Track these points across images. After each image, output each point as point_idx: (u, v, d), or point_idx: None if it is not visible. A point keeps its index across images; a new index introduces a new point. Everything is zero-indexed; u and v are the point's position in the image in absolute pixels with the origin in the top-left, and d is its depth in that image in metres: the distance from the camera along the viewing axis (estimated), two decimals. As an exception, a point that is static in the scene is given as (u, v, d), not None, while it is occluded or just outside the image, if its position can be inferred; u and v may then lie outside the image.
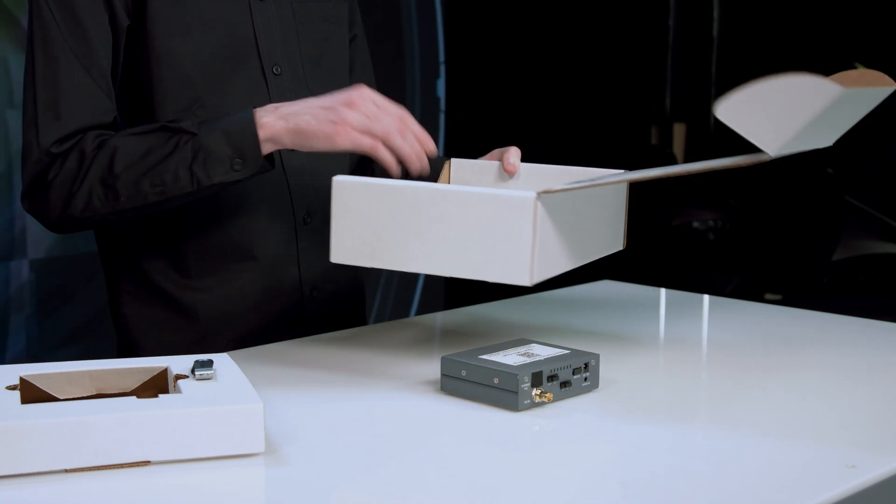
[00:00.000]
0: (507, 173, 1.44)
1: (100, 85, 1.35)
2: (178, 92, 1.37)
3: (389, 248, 1.22)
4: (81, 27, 1.33)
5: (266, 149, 1.28)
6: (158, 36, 1.36)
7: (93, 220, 1.33)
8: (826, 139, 1.23)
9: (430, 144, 1.29)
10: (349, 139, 1.25)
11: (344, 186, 1.23)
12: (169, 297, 1.43)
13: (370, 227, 1.22)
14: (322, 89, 1.50)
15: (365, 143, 1.25)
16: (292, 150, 1.45)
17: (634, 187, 1.41)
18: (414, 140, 1.28)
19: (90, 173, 1.30)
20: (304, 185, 1.47)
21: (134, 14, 1.36)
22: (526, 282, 1.16)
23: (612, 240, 1.39)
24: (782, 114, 1.08)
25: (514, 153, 1.44)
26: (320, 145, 1.26)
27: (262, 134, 1.27)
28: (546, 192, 1.16)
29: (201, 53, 1.38)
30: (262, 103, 1.42)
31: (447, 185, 1.22)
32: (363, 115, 1.24)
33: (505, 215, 1.16)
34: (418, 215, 1.20)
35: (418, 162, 1.28)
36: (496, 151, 1.48)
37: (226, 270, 1.44)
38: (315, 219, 1.49)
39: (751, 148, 1.14)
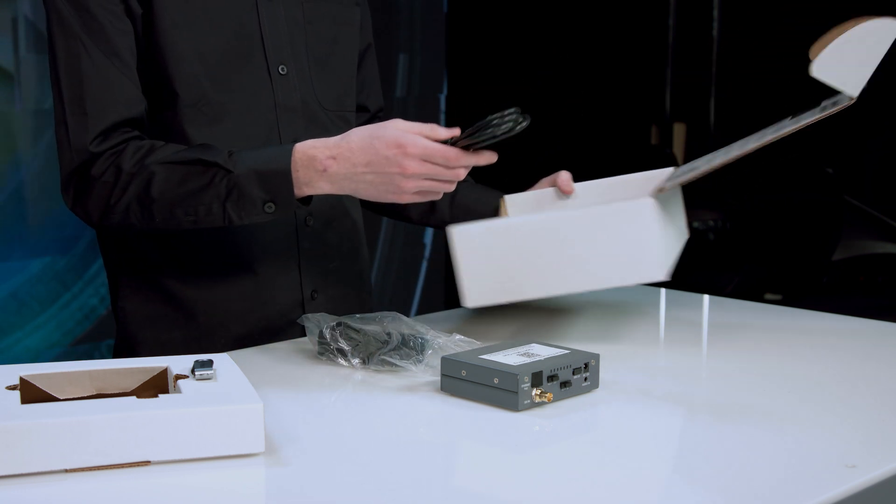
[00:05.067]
0: (564, 194, 1.54)
1: (125, 74, 1.35)
2: (186, 89, 1.38)
3: (521, 281, 1.32)
4: (97, 20, 1.33)
5: (302, 192, 1.30)
6: (164, 30, 1.36)
7: (130, 229, 1.36)
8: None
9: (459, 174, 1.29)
10: (408, 201, 1.29)
11: (463, 234, 1.33)
12: (168, 294, 1.43)
13: (497, 266, 1.32)
14: (327, 91, 1.50)
15: (419, 200, 1.29)
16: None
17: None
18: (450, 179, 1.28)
19: (128, 191, 1.31)
20: None
21: (143, 4, 1.36)
22: (662, 276, 1.28)
23: (683, 230, 1.50)
24: (862, 57, 1.21)
25: (565, 175, 1.55)
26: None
27: (300, 182, 1.28)
28: (660, 191, 1.28)
29: (206, 50, 1.38)
30: (266, 103, 1.42)
31: (564, 212, 1.34)
32: (418, 185, 1.26)
33: (630, 222, 1.28)
34: (543, 245, 1.31)
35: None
36: (545, 180, 1.57)
37: (226, 269, 1.44)
38: (316, 221, 1.49)
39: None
